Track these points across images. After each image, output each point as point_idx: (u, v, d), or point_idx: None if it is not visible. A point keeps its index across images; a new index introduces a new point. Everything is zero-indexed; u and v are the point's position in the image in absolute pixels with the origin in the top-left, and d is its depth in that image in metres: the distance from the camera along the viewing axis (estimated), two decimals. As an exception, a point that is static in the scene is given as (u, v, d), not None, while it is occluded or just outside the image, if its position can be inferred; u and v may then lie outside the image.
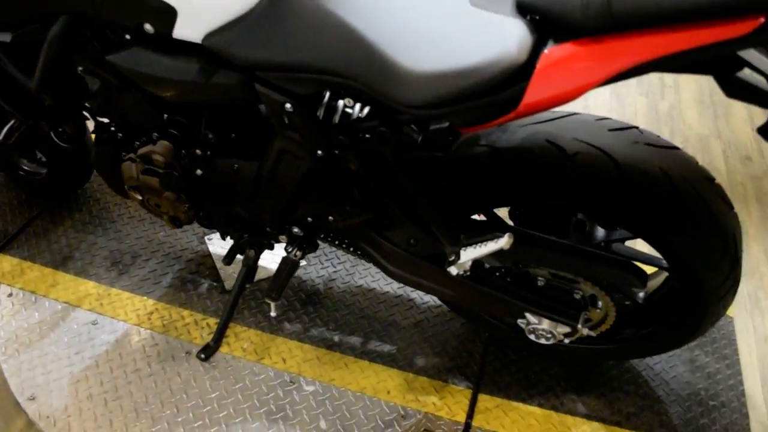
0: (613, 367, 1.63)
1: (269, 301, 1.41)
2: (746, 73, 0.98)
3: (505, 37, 0.93)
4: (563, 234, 1.36)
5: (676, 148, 1.20)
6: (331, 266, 1.82)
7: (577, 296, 1.34)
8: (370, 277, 1.80)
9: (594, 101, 2.56)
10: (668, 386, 1.60)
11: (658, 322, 1.40)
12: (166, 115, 1.34)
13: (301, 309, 1.71)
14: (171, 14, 1.09)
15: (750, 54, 0.92)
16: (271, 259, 1.81)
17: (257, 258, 1.53)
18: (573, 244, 1.26)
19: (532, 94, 0.91)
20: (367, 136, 1.16)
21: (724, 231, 1.18)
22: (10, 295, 1.69)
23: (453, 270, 1.20)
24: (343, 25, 1.03)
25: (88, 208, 1.93)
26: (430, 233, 1.25)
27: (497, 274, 1.39)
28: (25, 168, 1.87)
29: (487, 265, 1.42)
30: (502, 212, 1.41)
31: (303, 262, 1.82)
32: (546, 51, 0.90)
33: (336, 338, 1.65)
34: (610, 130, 1.18)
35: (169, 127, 1.34)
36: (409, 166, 1.16)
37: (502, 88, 0.93)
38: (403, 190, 1.21)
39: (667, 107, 2.55)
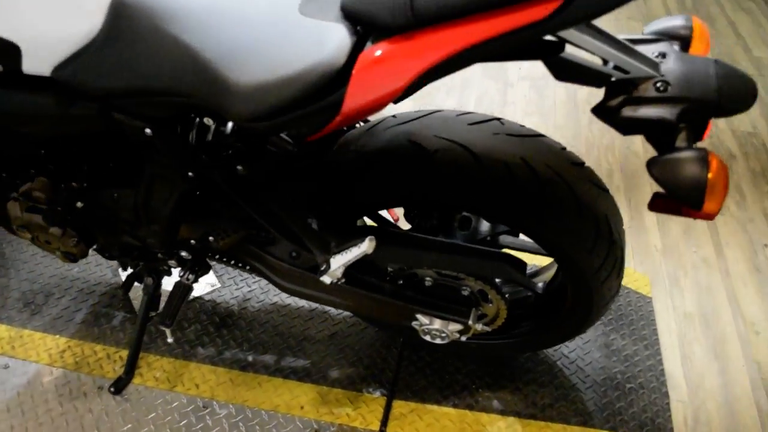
0: (528, 359, 1.63)
1: (163, 328, 1.39)
2: (571, 54, 0.99)
3: (325, 42, 0.93)
4: (449, 231, 1.36)
5: (540, 135, 1.21)
6: (245, 286, 1.81)
7: (465, 293, 1.34)
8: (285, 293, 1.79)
9: (513, 96, 2.58)
10: (583, 373, 1.60)
11: (555, 311, 1.41)
12: (43, 151, 1.34)
13: (215, 332, 1.69)
14: (15, 50, 1.08)
15: (571, 34, 0.93)
16: (185, 285, 1.80)
17: (157, 285, 1.52)
18: (443, 240, 1.26)
19: (352, 96, 0.91)
20: (229, 153, 1.16)
21: (594, 214, 1.18)
22: None
23: (326, 279, 1.19)
24: (178, 44, 1.03)
25: None
26: (303, 244, 1.24)
27: (388, 278, 1.38)
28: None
29: (390, 269, 1.42)
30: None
31: (217, 285, 1.81)
32: (363, 53, 0.91)
33: (250, 358, 1.63)
34: (470, 124, 1.19)
35: (46, 163, 1.33)
36: (270, 179, 1.16)
37: (325, 93, 0.94)
38: (268, 204, 1.20)
39: (585, 95, 2.57)
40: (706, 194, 0.92)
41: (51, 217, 1.36)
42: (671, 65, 0.98)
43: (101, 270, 1.85)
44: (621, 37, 1.06)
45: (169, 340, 1.43)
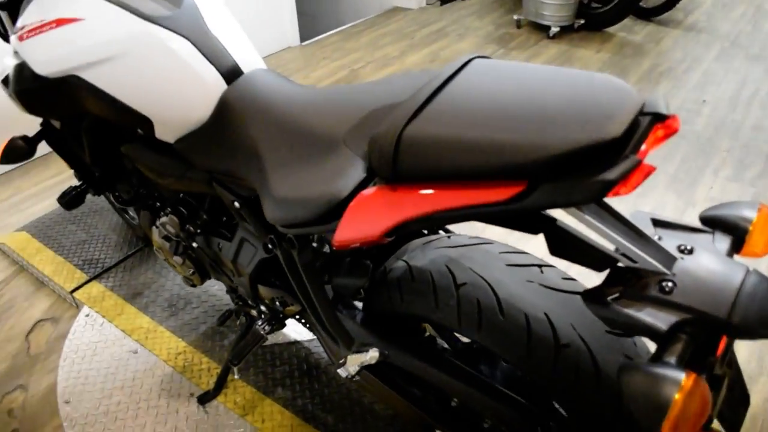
0: None
1: (230, 366, 1.58)
2: (575, 229, 0.95)
3: (340, 175, 1.02)
4: (493, 360, 1.35)
5: (581, 293, 1.15)
6: (339, 343, 1.94)
7: (486, 425, 1.31)
8: (370, 361, 1.88)
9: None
10: None
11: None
12: (182, 195, 1.61)
13: (298, 378, 1.85)
14: (148, 122, 1.34)
15: (572, 211, 0.90)
16: (290, 327, 1.99)
17: (249, 325, 1.72)
18: (458, 364, 1.25)
19: (342, 229, 0.98)
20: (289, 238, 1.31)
21: (614, 389, 1.10)
22: (88, 315, 2.08)
23: (342, 372, 1.27)
24: (253, 145, 1.19)
25: (170, 254, 2.29)
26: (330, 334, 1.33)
27: (421, 384, 1.41)
28: (129, 215, 2.30)
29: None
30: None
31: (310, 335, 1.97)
32: (359, 194, 0.98)
33: (315, 412, 1.76)
34: (509, 264, 1.18)
35: (179, 205, 1.60)
36: (312, 270, 1.28)
37: (329, 219, 1.02)
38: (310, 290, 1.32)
39: None
40: (664, 421, 0.82)
41: (175, 247, 1.63)
42: (690, 265, 0.89)
43: (235, 292, 2.13)
44: (660, 218, 0.99)
45: (236, 376, 1.62)
